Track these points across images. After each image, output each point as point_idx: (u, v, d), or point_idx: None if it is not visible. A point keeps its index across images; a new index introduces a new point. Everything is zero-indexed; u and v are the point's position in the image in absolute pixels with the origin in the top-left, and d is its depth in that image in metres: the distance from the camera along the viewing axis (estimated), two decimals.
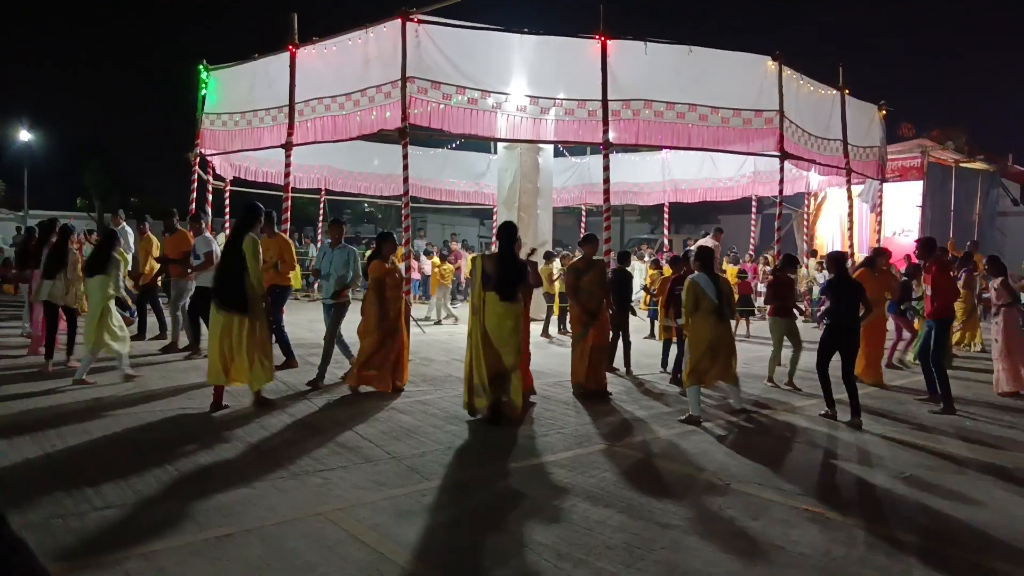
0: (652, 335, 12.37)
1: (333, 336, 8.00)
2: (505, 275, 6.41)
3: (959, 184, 19.25)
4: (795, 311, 8.93)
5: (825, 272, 13.24)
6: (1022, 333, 8.58)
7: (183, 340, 9.66)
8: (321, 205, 19.37)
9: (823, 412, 7.11)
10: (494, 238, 7.15)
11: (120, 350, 7.65)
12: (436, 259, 15.07)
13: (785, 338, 8.67)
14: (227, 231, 14.20)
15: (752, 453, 5.74)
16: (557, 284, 12.48)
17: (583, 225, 21.13)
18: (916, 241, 8.42)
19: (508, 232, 6.65)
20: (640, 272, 16.81)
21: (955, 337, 11.18)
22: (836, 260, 7.48)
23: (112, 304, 7.70)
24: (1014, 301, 8.59)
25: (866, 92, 13.81)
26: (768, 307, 9.10)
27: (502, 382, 6.43)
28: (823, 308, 7.37)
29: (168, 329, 10.00)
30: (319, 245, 18.79)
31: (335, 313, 8.01)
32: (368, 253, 8.43)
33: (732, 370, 6.89)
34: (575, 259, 9.05)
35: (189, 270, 9.31)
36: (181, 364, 8.79)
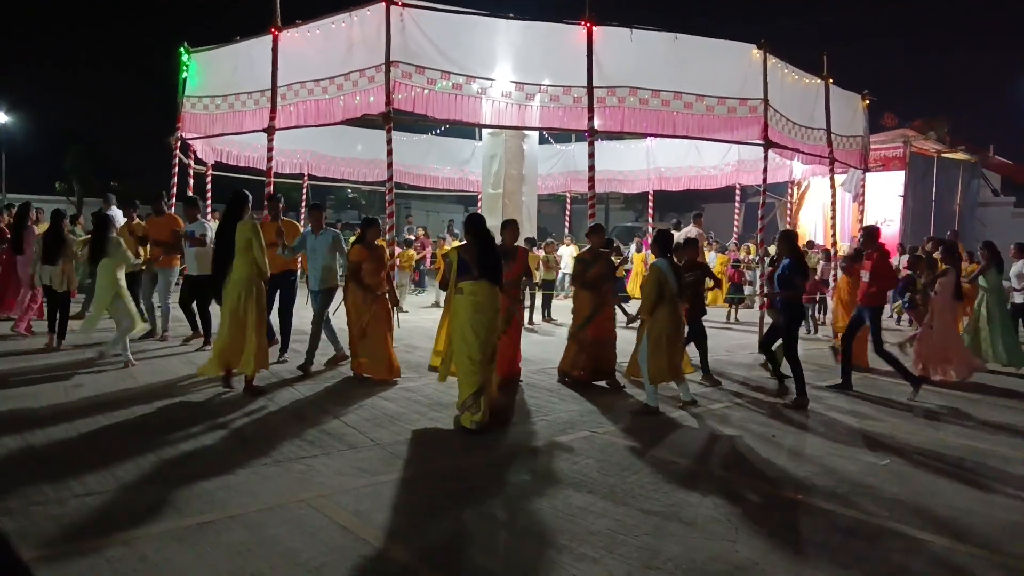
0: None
1: (320, 321, 7.94)
2: (486, 260, 6.10)
3: (941, 174, 19.45)
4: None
5: (822, 262, 13.29)
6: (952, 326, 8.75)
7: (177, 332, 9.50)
8: (304, 190, 19.16)
9: (790, 402, 7.05)
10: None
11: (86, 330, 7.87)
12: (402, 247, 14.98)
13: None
14: (211, 216, 14.07)
15: (735, 440, 5.80)
16: (540, 272, 12.47)
17: (568, 212, 21.13)
18: (860, 230, 8.48)
19: (477, 222, 6.37)
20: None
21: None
22: (789, 239, 7.37)
23: (122, 278, 7.78)
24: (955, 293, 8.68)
25: (848, 87, 13.87)
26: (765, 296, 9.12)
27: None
28: (782, 292, 7.23)
29: (158, 321, 9.71)
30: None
31: (322, 299, 7.95)
32: (352, 239, 8.36)
33: (678, 366, 6.61)
34: (582, 251, 8.80)
35: (184, 239, 9.18)
36: (163, 353, 8.72)
